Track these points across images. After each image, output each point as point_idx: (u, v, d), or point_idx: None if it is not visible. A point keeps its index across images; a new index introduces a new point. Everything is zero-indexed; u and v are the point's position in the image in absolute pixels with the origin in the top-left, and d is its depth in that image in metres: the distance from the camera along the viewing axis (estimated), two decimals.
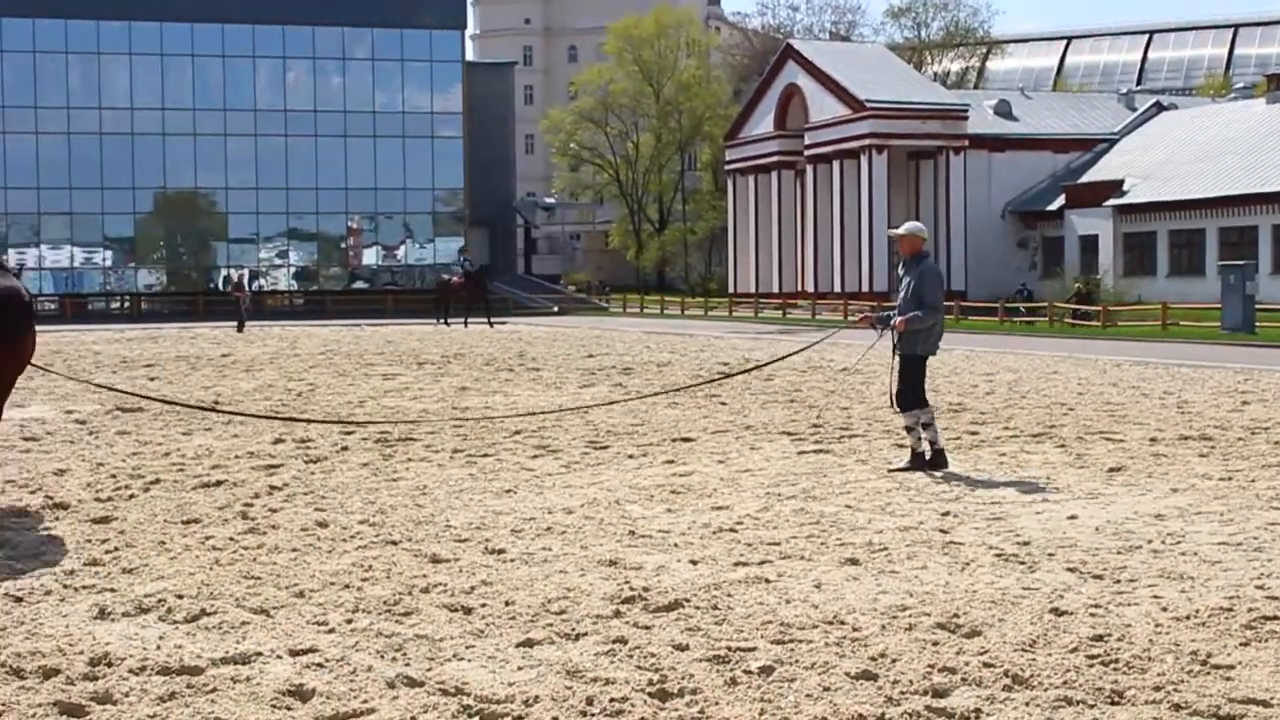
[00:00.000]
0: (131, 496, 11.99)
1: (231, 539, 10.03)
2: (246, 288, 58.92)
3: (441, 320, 56.47)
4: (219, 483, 12.77)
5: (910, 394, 13.51)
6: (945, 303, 14.08)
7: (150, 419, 18.73)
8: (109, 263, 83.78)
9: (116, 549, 9.68)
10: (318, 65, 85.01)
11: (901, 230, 13.75)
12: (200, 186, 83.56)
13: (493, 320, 54.94)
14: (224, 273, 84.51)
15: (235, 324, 53.82)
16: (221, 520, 10.82)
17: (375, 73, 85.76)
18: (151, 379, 26.41)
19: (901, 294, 13.53)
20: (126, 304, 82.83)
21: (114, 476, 13.19)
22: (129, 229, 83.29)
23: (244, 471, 13.54)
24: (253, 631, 7.44)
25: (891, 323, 13.64)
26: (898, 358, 13.57)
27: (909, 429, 13.52)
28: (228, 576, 8.78)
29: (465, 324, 53.77)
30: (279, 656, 6.96)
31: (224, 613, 7.81)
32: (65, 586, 8.51)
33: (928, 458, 13.34)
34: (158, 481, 12.84)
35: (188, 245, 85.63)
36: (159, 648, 7.10)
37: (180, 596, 8.18)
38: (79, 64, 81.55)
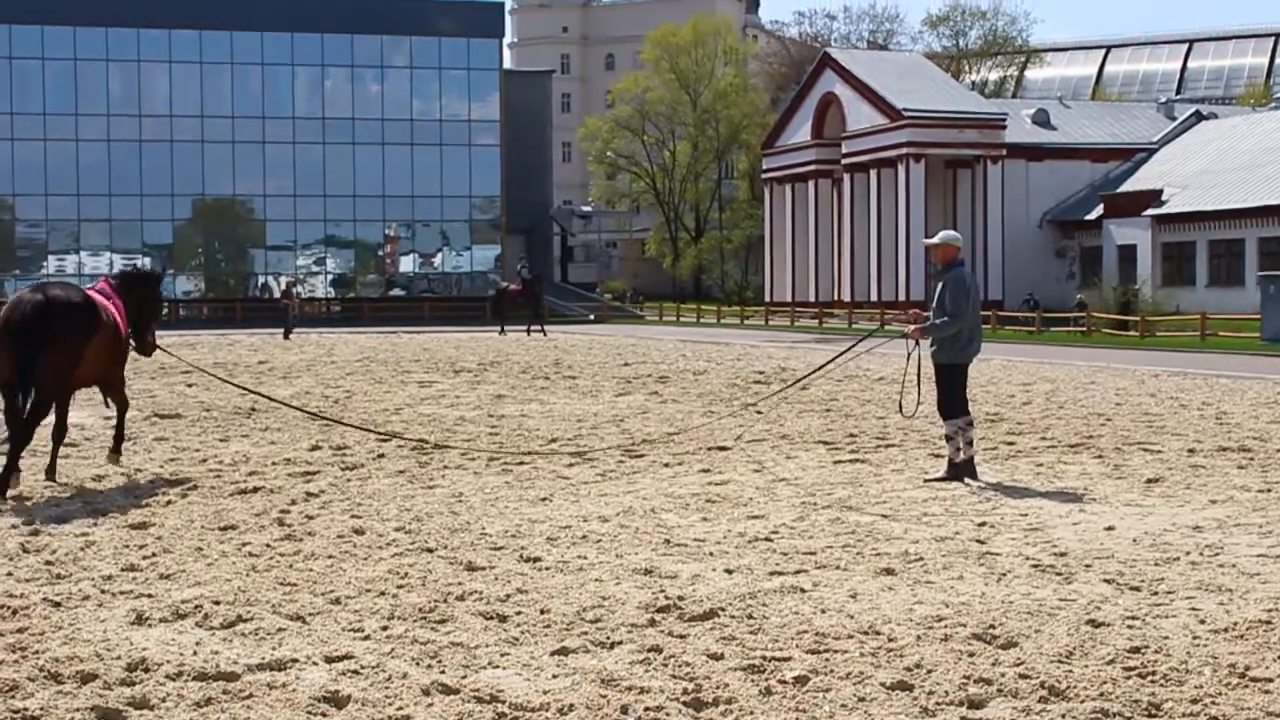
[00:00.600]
0: (169, 503, 12.05)
1: (268, 545, 10.07)
2: (295, 296, 59.09)
3: (500, 329, 56.26)
4: (256, 489, 12.82)
5: (947, 402, 13.47)
6: (983, 311, 14.04)
7: (188, 425, 18.83)
8: (147, 269, 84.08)
9: (154, 555, 9.73)
10: (356, 73, 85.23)
11: (935, 239, 13.78)
12: (239, 194, 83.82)
13: (545, 328, 54.89)
14: (262, 279, 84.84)
15: (282, 331, 54.01)
16: (258, 527, 10.86)
17: (413, 81, 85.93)
18: (189, 385, 26.52)
19: (935, 303, 13.53)
20: (165, 310, 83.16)
21: (152, 482, 13.26)
22: (168, 236, 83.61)
23: (281, 478, 13.58)
24: (289, 638, 7.46)
25: (906, 331, 13.76)
26: (934, 367, 13.58)
27: (948, 438, 13.48)
28: (264, 583, 8.81)
29: (527, 331, 53.52)
30: (315, 663, 6.98)
31: (260, 619, 7.83)
32: (103, 592, 8.56)
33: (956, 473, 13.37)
34: (195, 488, 12.90)
35: (226, 252, 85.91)
36: (195, 653, 7.13)
37: (217, 603, 8.21)
38: (119, 71, 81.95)
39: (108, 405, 15.11)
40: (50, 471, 13.35)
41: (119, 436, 14.67)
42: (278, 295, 69.58)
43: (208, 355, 38.76)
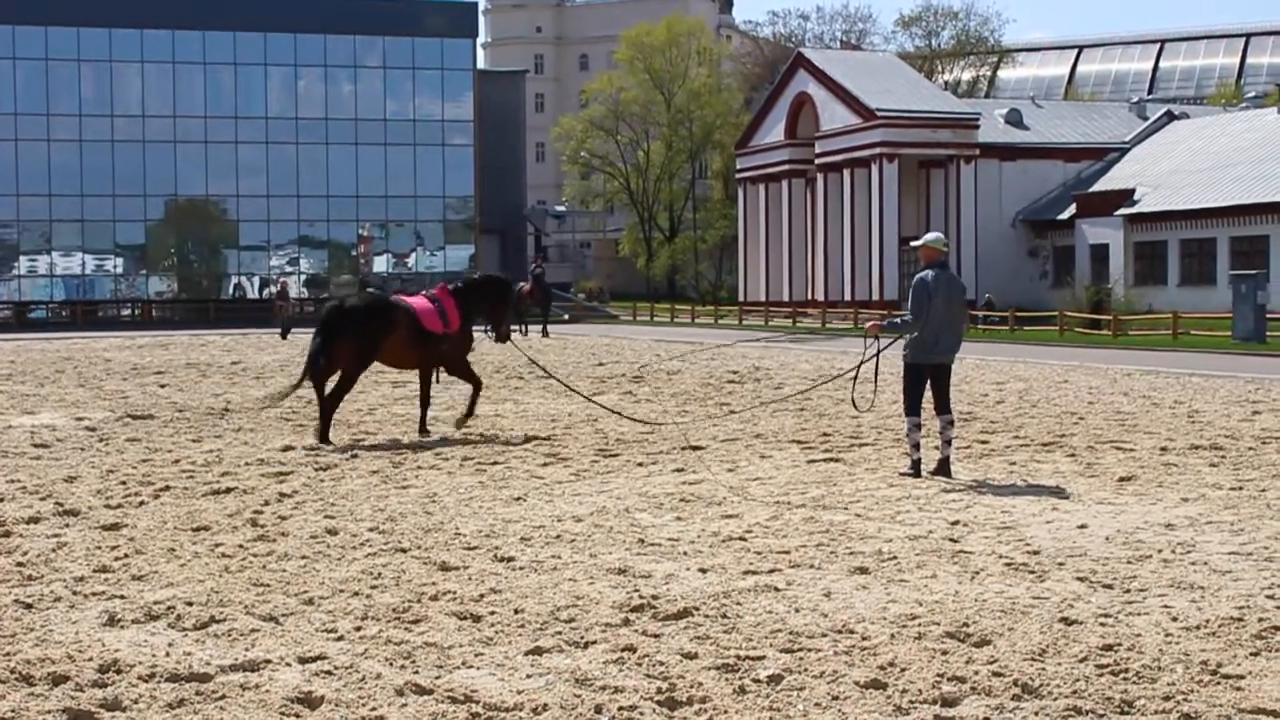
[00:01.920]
0: (141, 503, 12.01)
1: (241, 546, 10.04)
2: (290, 296, 58.83)
3: (522, 330, 55.14)
4: (229, 490, 12.79)
5: (905, 401, 13.81)
6: (971, 312, 14.36)
7: (160, 426, 18.78)
8: (120, 270, 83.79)
9: (126, 556, 9.70)
10: (329, 73, 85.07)
11: (919, 241, 14.09)
12: (212, 194, 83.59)
13: (547, 328, 54.26)
14: (236, 280, 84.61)
15: (279, 331, 53.54)
16: (231, 527, 10.84)
17: (386, 80, 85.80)
18: (162, 385, 26.44)
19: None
20: (137, 311, 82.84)
21: (124, 483, 13.21)
22: (140, 236, 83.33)
23: (254, 479, 13.56)
24: (262, 639, 7.44)
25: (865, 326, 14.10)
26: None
27: (940, 434, 13.80)
28: (237, 584, 8.79)
29: (544, 333, 52.83)
30: (288, 664, 6.97)
31: (233, 620, 7.82)
32: (75, 593, 8.53)
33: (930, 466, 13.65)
34: (168, 488, 12.86)
35: (199, 252, 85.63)
36: (168, 654, 7.11)
37: (190, 603, 8.19)
38: (91, 72, 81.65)
39: (437, 380, 18.50)
40: (321, 433, 16.68)
41: (469, 411, 18.06)
42: (273, 295, 69.22)
43: (180, 355, 38.64)
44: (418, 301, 17.86)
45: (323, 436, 16.54)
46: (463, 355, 18.22)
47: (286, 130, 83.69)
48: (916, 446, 13.67)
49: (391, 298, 18.28)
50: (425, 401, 18.15)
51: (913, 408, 13.70)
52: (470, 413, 18.05)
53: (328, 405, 16.77)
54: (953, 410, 14.03)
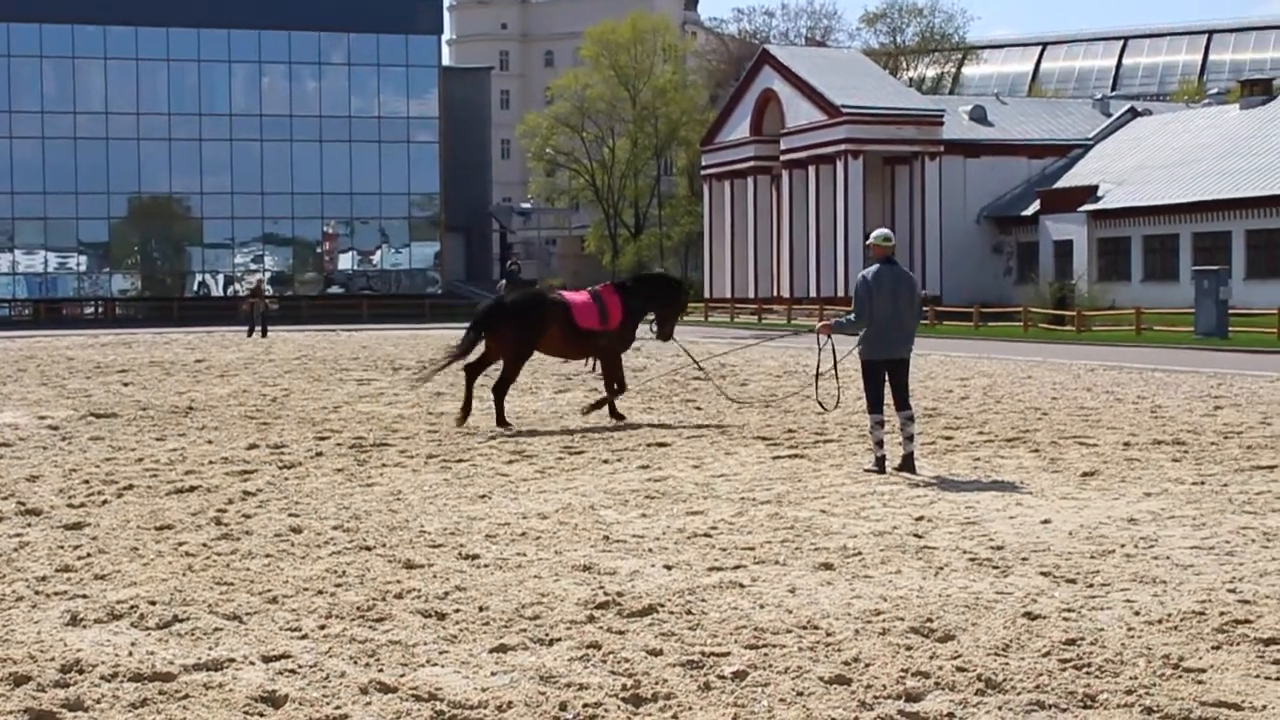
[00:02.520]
0: (105, 502, 11.95)
1: (205, 545, 10.01)
2: (264, 294, 58.39)
3: None
4: (193, 488, 12.74)
5: (867, 398, 13.96)
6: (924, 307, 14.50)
7: (124, 424, 18.69)
8: (83, 268, 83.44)
9: (89, 555, 9.65)
10: (294, 70, 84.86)
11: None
12: (175, 191, 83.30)
13: None
14: (200, 278, 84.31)
15: (259, 330, 53.05)
16: (195, 526, 10.79)
17: (351, 77, 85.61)
18: (125, 384, 26.33)
19: None
20: (101, 309, 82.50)
21: (87, 482, 13.15)
22: (103, 234, 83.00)
23: (218, 477, 13.51)
24: (225, 638, 7.42)
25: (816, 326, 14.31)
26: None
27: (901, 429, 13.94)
28: (201, 582, 8.76)
29: None
30: (252, 663, 6.94)
31: (197, 619, 7.78)
32: (37, 593, 8.48)
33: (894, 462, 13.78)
34: (131, 487, 12.80)
35: (162, 250, 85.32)
36: (131, 654, 7.08)
37: (153, 603, 8.15)
38: (53, 68, 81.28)
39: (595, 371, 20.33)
40: (498, 419, 17.93)
41: (599, 404, 18.86)
42: (245, 294, 68.78)
43: (144, 354, 38.49)
44: (577, 298, 18.94)
45: (500, 420, 17.87)
46: (619, 351, 19.20)
47: (251, 127, 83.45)
48: (880, 444, 13.72)
49: (549, 294, 19.56)
50: (618, 385, 18.98)
51: (874, 405, 13.77)
52: (600, 406, 18.80)
53: (497, 396, 18.16)
54: (913, 406, 14.08)
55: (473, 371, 18.63)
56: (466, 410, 18.05)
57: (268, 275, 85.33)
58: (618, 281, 19.52)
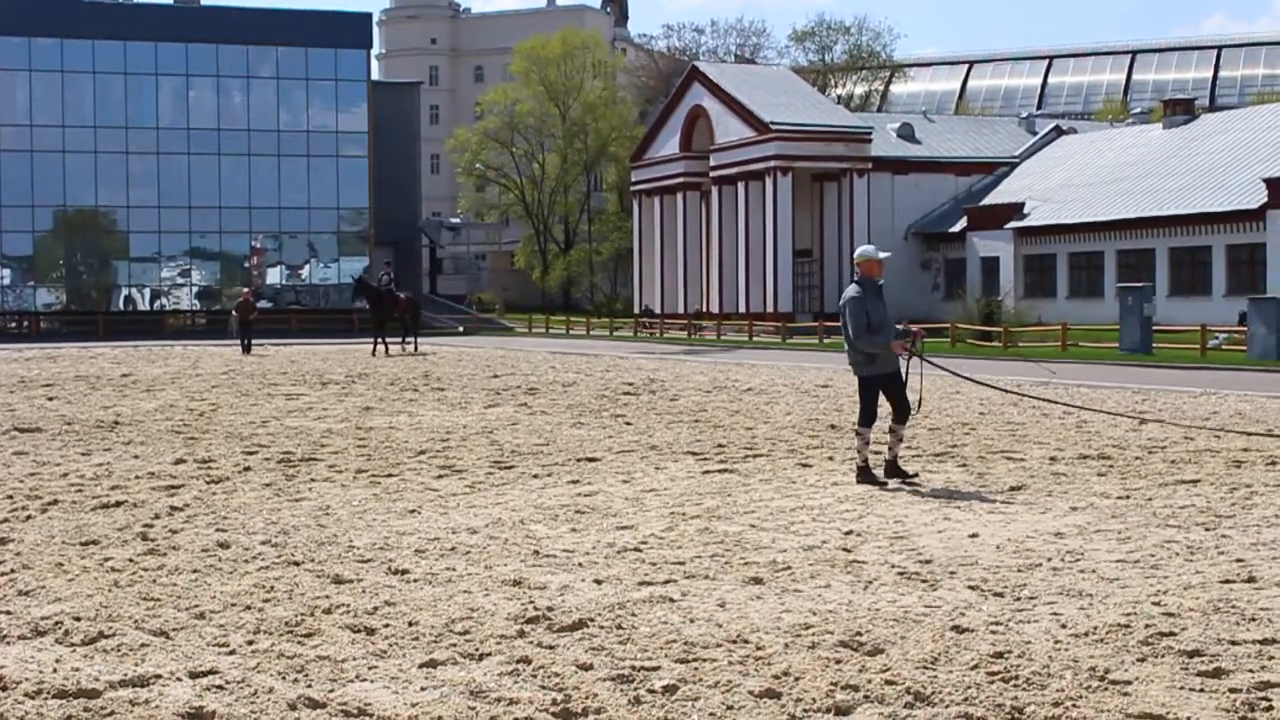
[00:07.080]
0: (29, 518, 11.82)
1: (131, 560, 9.91)
2: (256, 306, 56.06)
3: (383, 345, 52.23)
4: (118, 503, 12.62)
5: (860, 413, 14.34)
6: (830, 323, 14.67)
7: (49, 439, 18.49)
8: (7, 281, 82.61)
9: (13, 571, 9.54)
10: (221, 83, 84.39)
11: (859, 253, 15.01)
12: (101, 205, 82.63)
13: (405, 341, 51.92)
14: (126, 292, 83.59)
15: (243, 345, 50.82)
16: (121, 541, 10.69)
17: (280, 91, 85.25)
18: (50, 398, 26.05)
19: None
20: (25, 324, 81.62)
21: (10, 497, 13.00)
22: (28, 247, 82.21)
23: (144, 492, 13.39)
24: (152, 654, 7.35)
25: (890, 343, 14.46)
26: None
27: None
28: (127, 598, 8.67)
29: (412, 347, 50.20)
30: (179, 679, 6.88)
31: (123, 635, 7.71)
32: None
33: (883, 473, 14.15)
34: (56, 502, 12.67)
35: (88, 264, 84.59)
36: (55, 670, 7.01)
37: (78, 619, 8.07)
38: None
39: None
40: None
41: None
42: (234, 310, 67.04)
43: (69, 368, 38.11)
44: None
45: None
46: None
47: (178, 140, 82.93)
48: (866, 460, 14.04)
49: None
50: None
51: (870, 419, 14.14)
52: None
53: None
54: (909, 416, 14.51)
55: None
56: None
57: (195, 290, 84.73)
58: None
